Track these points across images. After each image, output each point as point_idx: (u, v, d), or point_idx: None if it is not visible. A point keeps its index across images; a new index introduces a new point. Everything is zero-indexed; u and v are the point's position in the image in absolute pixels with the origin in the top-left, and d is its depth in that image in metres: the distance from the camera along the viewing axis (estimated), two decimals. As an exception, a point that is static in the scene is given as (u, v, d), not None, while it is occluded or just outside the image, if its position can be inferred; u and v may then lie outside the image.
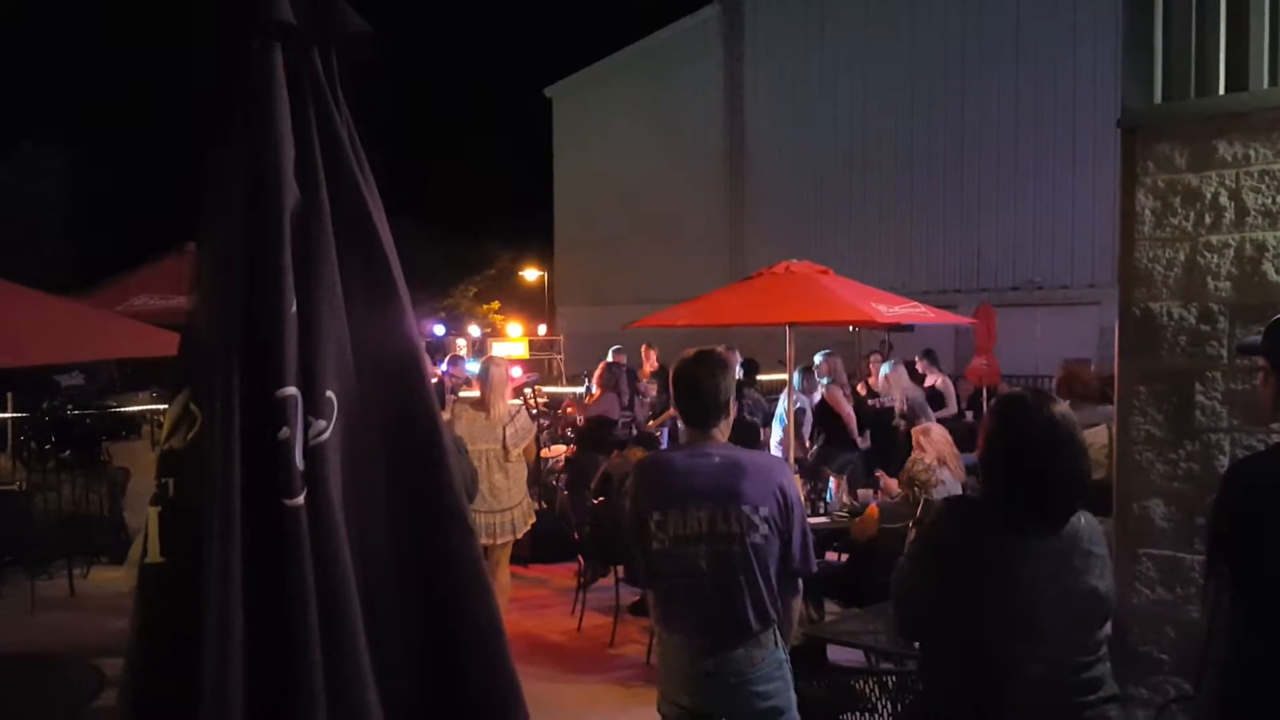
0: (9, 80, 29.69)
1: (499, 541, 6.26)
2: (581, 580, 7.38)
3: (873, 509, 6.22)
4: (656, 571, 3.18)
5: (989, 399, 10.94)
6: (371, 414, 1.86)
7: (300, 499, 1.70)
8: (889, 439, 9.03)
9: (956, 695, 2.43)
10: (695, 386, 3.18)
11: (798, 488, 3.26)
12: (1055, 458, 2.38)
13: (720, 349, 3.41)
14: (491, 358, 7.11)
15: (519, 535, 6.46)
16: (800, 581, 3.22)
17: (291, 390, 1.71)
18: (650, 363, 12.24)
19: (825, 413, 9.07)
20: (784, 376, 8.80)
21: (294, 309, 1.75)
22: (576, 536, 7.27)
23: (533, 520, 6.60)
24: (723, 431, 3.20)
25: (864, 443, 9.04)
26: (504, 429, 6.29)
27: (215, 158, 1.84)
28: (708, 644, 3.06)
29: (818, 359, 9.21)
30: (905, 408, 9.13)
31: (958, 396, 11.57)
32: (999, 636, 2.36)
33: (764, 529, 3.05)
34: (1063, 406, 2.47)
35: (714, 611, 3.06)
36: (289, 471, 1.70)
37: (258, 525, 1.67)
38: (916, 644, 2.80)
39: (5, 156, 27.07)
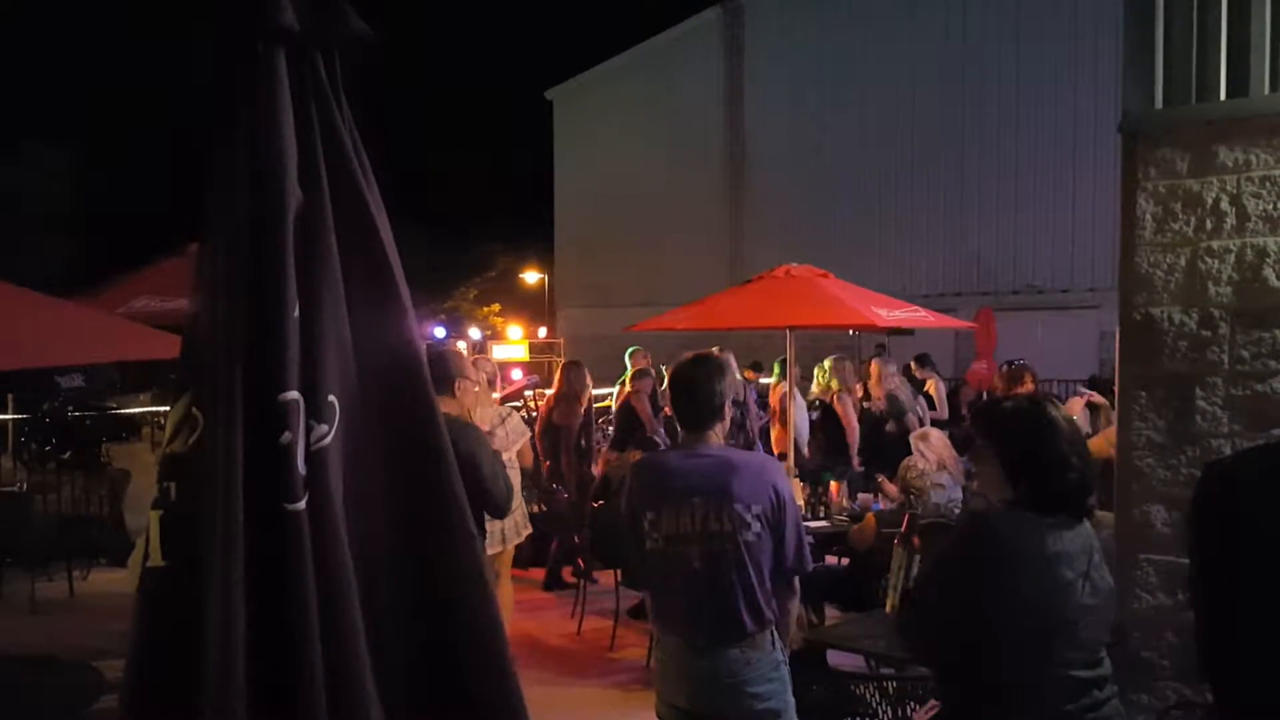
0: (10, 79, 29.70)
1: (490, 552, 6.17)
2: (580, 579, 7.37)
3: (870, 518, 6.19)
4: (651, 571, 3.19)
5: (989, 403, 10.91)
6: (373, 418, 1.85)
7: (302, 504, 1.70)
8: (879, 440, 9.00)
9: (999, 702, 2.40)
10: (692, 389, 3.20)
11: (792, 487, 3.26)
12: (1085, 453, 2.48)
13: (715, 350, 3.42)
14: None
15: (509, 546, 6.34)
16: (797, 582, 3.21)
17: (294, 394, 1.71)
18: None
19: (829, 421, 8.83)
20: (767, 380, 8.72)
21: (296, 313, 1.75)
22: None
23: (529, 530, 6.52)
24: (718, 433, 3.21)
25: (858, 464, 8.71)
26: (495, 432, 6.05)
27: (218, 161, 1.84)
28: (702, 644, 3.06)
29: (828, 363, 8.88)
30: (885, 405, 9.12)
31: (959, 402, 11.56)
32: (1044, 639, 2.35)
33: (756, 526, 3.04)
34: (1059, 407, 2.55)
35: (708, 611, 3.06)
36: (291, 476, 1.69)
37: (259, 530, 1.66)
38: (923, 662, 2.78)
39: (6, 155, 27.05)
